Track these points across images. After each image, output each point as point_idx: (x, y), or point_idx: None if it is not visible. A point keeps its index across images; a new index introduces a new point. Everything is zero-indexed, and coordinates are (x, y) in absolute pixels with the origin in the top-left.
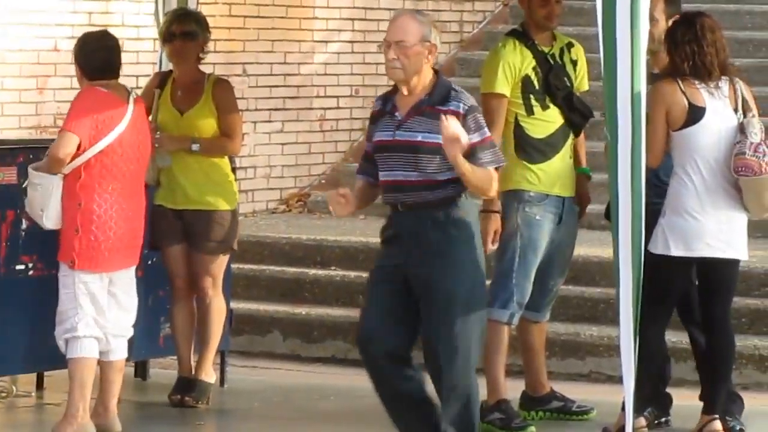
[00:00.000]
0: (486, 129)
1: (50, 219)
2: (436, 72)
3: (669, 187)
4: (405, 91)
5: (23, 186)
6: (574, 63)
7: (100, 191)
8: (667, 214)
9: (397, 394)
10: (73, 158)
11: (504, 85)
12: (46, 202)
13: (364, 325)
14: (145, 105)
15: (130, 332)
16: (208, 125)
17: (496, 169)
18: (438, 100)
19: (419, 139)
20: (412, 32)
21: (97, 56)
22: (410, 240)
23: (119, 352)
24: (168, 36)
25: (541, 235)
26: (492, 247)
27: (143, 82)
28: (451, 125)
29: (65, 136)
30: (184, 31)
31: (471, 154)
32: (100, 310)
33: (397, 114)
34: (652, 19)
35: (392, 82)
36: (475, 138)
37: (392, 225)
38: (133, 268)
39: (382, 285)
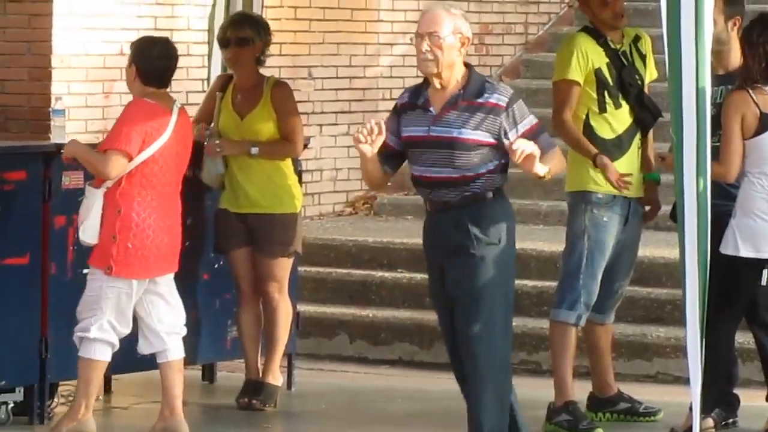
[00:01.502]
0: (531, 115)
1: (86, 232)
2: (467, 65)
3: (740, 189)
4: (438, 85)
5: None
6: (644, 57)
7: (140, 200)
8: (738, 215)
9: None
10: None
11: (577, 73)
12: (86, 214)
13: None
14: (207, 107)
15: (184, 330)
16: (267, 129)
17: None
18: (472, 93)
19: (454, 135)
20: (444, 24)
21: (159, 64)
22: (439, 240)
23: (175, 352)
24: (224, 42)
25: (608, 236)
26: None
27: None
28: (521, 147)
29: (115, 157)
30: (238, 38)
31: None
32: (121, 316)
33: (431, 109)
34: None
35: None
36: (525, 127)
37: (426, 224)
38: (173, 273)
39: (442, 309)
